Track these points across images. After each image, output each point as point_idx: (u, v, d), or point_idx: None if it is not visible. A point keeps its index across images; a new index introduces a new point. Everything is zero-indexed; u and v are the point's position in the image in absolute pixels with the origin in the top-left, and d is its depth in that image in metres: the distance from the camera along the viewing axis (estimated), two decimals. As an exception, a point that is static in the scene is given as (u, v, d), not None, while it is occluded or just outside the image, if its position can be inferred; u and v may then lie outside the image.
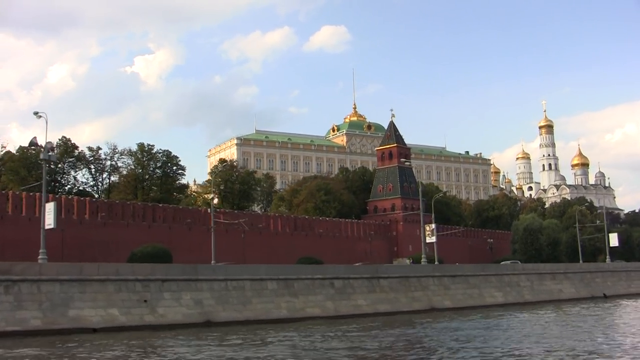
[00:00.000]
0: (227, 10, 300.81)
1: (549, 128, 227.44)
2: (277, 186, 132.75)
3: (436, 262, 76.54)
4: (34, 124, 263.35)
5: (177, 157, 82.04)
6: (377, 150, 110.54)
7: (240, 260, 70.10)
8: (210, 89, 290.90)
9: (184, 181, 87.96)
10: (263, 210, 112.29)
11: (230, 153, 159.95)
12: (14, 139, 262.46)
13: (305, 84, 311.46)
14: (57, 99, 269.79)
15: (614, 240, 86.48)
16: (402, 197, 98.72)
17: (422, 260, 62.64)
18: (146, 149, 79.57)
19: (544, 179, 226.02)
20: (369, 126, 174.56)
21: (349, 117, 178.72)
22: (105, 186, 79.62)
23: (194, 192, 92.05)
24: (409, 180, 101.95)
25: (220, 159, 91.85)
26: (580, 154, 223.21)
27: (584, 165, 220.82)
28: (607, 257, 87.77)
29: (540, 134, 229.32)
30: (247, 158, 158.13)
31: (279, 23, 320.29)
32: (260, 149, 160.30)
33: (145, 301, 40.41)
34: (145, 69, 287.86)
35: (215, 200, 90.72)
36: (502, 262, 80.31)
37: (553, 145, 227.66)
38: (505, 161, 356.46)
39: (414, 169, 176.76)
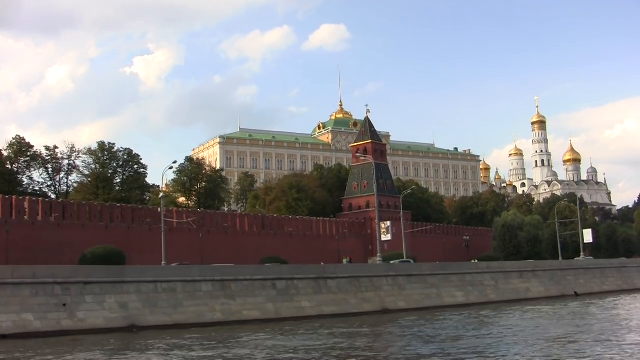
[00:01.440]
0: (226, 10, 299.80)
1: (541, 124, 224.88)
2: (260, 185, 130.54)
3: (405, 259, 74.74)
4: (33, 126, 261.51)
5: (139, 156, 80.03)
6: (351, 146, 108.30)
7: (197, 261, 68.08)
8: (209, 89, 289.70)
9: (148, 180, 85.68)
10: (242, 210, 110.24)
11: (213, 152, 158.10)
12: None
13: (305, 83, 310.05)
14: (56, 101, 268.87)
15: (588, 236, 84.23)
16: (377, 194, 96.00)
17: (378, 259, 60.17)
18: (107, 147, 77.41)
19: (537, 176, 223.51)
20: (355, 123, 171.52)
21: (335, 114, 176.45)
22: (63, 186, 77.39)
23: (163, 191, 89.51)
24: (384, 177, 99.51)
25: (187, 157, 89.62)
26: (572, 150, 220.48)
27: (576, 161, 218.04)
28: (582, 253, 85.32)
29: (533, 130, 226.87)
30: (230, 157, 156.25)
31: (278, 22, 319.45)
32: (244, 147, 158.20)
33: (64, 305, 38.25)
34: (145, 70, 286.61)
35: (182, 199, 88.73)
36: (473, 261, 78.00)
37: (546, 141, 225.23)
38: (504, 158, 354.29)
39: (401, 166, 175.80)
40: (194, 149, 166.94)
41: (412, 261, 68.06)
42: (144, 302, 40.78)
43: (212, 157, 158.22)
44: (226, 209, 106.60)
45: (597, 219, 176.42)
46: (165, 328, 39.51)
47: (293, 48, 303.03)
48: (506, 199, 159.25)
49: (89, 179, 77.13)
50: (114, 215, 71.47)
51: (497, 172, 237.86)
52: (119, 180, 78.42)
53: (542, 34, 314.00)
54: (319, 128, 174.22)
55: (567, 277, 70.20)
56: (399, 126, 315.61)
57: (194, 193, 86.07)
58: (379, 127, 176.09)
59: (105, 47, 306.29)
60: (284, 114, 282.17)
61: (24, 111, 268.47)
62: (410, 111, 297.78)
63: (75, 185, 78.48)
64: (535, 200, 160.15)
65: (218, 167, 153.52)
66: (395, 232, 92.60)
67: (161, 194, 60.04)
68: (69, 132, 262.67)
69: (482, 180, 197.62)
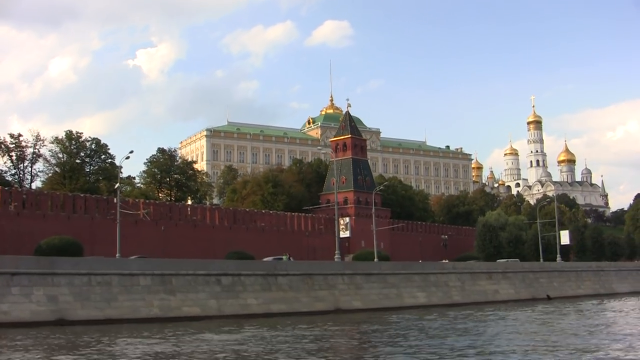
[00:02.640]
0: (229, 4, 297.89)
1: (537, 124, 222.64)
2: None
3: (375, 259, 72.80)
4: (35, 117, 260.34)
5: (107, 146, 78.17)
6: (331, 141, 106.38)
7: (159, 255, 66.26)
8: (211, 83, 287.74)
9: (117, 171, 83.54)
10: (223, 204, 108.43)
11: (200, 145, 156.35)
12: (14, 132, 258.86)
13: (307, 79, 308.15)
14: (58, 92, 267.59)
15: (565, 238, 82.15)
16: (355, 190, 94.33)
17: (336, 257, 58.26)
18: (74, 136, 75.56)
19: (532, 176, 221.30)
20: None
21: (325, 109, 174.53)
22: (27, 175, 75.59)
23: (129, 183, 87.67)
24: (363, 173, 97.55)
25: (159, 148, 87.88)
26: (567, 150, 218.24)
27: (570, 161, 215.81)
28: (558, 256, 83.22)
29: (529, 130, 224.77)
30: (217, 150, 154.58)
31: (281, 17, 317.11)
32: (231, 140, 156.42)
33: (-13, 296, 36.54)
34: (148, 63, 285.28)
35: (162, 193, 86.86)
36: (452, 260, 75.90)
37: (541, 141, 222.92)
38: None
39: (391, 163, 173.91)
40: (181, 142, 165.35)
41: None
42: (75, 296, 39.03)
43: (199, 150, 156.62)
44: (208, 203, 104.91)
45: (588, 220, 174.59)
46: (95, 323, 37.78)
47: (295, 44, 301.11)
48: (496, 199, 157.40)
49: (56, 169, 75.21)
50: (77, 205, 69.59)
51: (491, 171, 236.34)
52: (88, 170, 76.41)
53: (543, 34, 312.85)
54: (309, 123, 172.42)
55: (540, 280, 68.32)
56: (396, 124, 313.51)
57: (166, 185, 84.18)
58: (370, 124, 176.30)
59: (107, 39, 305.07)
60: (285, 110, 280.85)
61: (25, 102, 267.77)
62: (408, 109, 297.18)
63: (39, 174, 76.79)
64: (526, 200, 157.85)
65: (205, 160, 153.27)
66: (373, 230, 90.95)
67: (117, 185, 58.03)
68: (70, 124, 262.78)
69: (473, 179, 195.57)
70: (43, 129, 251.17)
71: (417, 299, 54.83)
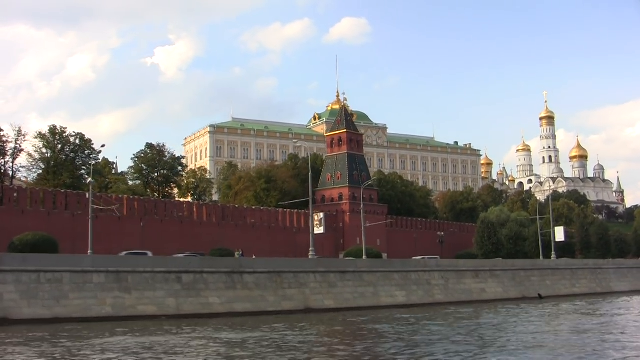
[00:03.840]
0: (247, 1, 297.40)
1: (549, 119, 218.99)
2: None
3: (364, 257, 70.77)
4: (53, 114, 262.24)
5: (91, 141, 76.80)
6: (326, 136, 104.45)
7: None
8: (229, 81, 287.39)
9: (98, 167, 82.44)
10: (220, 200, 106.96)
11: (204, 141, 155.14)
12: (34, 130, 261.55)
13: (324, 76, 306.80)
14: (76, 90, 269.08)
15: (560, 234, 79.44)
16: (350, 186, 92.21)
17: (310, 254, 56.27)
18: (58, 131, 74.33)
19: (544, 172, 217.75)
20: (351, 114, 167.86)
21: (331, 105, 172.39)
22: (8, 170, 74.29)
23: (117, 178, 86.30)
24: (359, 169, 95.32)
25: (147, 143, 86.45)
26: (579, 146, 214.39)
27: (582, 157, 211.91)
28: (553, 253, 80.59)
29: (541, 126, 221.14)
30: (220, 146, 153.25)
31: (298, 15, 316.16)
32: (235, 137, 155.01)
33: None
34: (166, 61, 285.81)
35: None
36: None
37: (553, 137, 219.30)
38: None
39: (398, 159, 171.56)
40: (185, 138, 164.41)
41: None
42: (22, 294, 37.56)
43: (203, 146, 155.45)
44: (208, 200, 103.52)
45: (599, 217, 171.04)
46: (42, 322, 36.27)
47: (313, 41, 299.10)
48: (504, 195, 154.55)
49: (41, 164, 74.08)
50: (58, 201, 68.32)
51: (504, 167, 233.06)
52: (70, 166, 74.98)
53: (562, 30, 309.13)
54: (315, 119, 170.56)
55: (531, 278, 65.86)
56: (405, 120, 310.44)
57: (154, 181, 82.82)
58: (378, 119, 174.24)
59: (126, 37, 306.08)
60: (303, 107, 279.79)
61: (44, 100, 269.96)
62: (418, 106, 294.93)
63: (21, 169, 75.66)
64: (533, 196, 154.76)
65: (208, 156, 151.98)
66: (368, 226, 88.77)
67: (90, 180, 56.56)
68: (89, 121, 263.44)
69: (483, 175, 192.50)
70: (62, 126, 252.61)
71: (396, 298, 52.79)
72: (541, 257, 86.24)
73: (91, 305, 39.05)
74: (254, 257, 59.75)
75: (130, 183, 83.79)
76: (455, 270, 59.37)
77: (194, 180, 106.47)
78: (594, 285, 72.04)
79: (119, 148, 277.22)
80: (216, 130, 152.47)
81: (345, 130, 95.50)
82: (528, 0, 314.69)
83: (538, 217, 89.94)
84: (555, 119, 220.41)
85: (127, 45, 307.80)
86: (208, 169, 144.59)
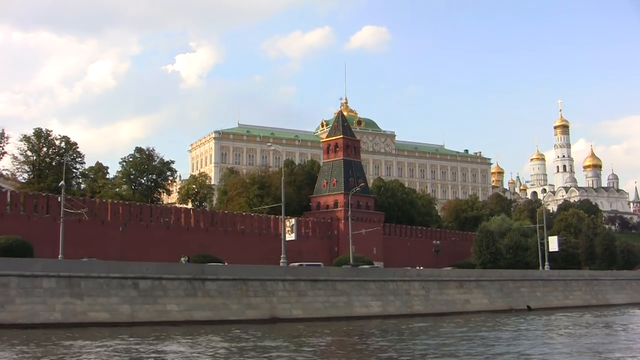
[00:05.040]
0: (267, 9, 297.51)
1: (564, 128, 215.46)
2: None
3: (351, 263, 69.11)
4: (74, 120, 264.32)
5: (76, 144, 76.07)
6: (322, 142, 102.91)
7: (117, 257, 63.78)
8: (249, 88, 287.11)
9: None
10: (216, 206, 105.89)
11: (209, 147, 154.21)
12: (55, 136, 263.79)
13: (344, 83, 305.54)
14: (97, 97, 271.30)
15: (553, 244, 76.86)
16: (345, 193, 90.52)
17: (281, 261, 54.62)
18: (43, 134, 73.67)
19: (558, 181, 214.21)
20: (359, 121, 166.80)
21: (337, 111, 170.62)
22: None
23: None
24: (355, 175, 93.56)
25: (137, 148, 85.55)
26: (593, 155, 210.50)
27: (596, 167, 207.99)
28: (546, 263, 78.17)
29: (555, 135, 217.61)
30: (226, 153, 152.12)
31: (319, 23, 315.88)
32: (240, 143, 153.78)
33: None
34: (186, 68, 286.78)
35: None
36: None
37: (568, 146, 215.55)
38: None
39: (406, 167, 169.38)
40: (191, 144, 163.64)
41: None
42: (-35, 298, 36.48)
43: (208, 152, 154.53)
44: (208, 206, 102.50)
45: (612, 227, 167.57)
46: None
47: (334, 49, 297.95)
48: (512, 204, 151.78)
49: (26, 167, 73.44)
50: (39, 205, 67.48)
51: (517, 177, 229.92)
52: (56, 169, 74.15)
53: (585, 40, 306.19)
54: (322, 125, 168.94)
55: (521, 289, 63.56)
56: (415, 128, 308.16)
57: (142, 185, 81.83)
58: (387, 127, 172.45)
59: (147, 44, 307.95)
60: (323, 115, 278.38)
61: (65, 106, 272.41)
62: (428, 114, 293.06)
63: (3, 172, 74.88)
64: (542, 205, 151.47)
65: (213, 162, 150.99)
66: (365, 234, 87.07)
67: (61, 183, 55.56)
68: (108, 128, 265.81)
69: (493, 184, 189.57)
70: (82, 132, 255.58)
71: (370, 308, 50.93)
72: (540, 267, 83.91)
73: (39, 311, 37.79)
74: (225, 263, 58.18)
75: (117, 189, 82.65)
76: (438, 280, 57.34)
77: (194, 186, 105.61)
78: (588, 297, 69.54)
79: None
80: (221, 136, 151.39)
81: (341, 136, 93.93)
82: (548, 9, 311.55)
83: (538, 226, 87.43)
84: (570, 128, 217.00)
85: (148, 52, 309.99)
86: (213, 175, 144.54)
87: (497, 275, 63.77)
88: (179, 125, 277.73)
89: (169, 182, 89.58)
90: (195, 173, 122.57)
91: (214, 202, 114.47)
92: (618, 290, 74.08)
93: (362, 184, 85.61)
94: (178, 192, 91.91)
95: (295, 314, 46.64)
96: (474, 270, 67.84)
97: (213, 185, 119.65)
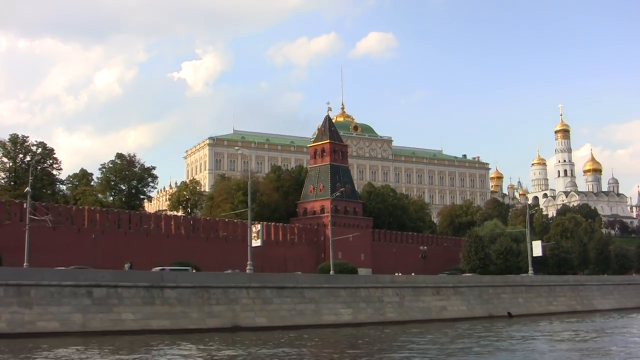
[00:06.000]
0: (273, 15, 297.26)
1: (565, 133, 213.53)
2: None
3: (331, 272, 67.70)
4: (79, 128, 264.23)
5: (53, 150, 75.32)
6: (309, 147, 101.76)
7: (90, 266, 62.63)
8: (255, 95, 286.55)
9: (61, 176, 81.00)
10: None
11: (203, 154, 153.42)
12: (60, 144, 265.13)
13: (350, 90, 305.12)
14: (103, 105, 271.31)
15: (537, 249, 75.21)
16: (331, 199, 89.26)
17: (248, 268, 53.40)
18: (20, 140, 72.88)
19: (559, 186, 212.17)
20: (356, 127, 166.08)
21: (335, 117, 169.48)
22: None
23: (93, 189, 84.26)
24: (343, 181, 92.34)
25: (117, 153, 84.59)
26: (593, 160, 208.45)
27: (596, 171, 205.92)
28: (530, 268, 76.52)
29: (556, 139, 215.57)
30: (220, 159, 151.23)
31: (325, 29, 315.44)
32: (235, 149, 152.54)
33: None
34: (193, 75, 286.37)
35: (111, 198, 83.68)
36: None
37: (569, 150, 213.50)
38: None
39: (403, 173, 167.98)
40: (186, 150, 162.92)
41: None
42: None
43: (202, 159, 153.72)
44: (199, 213, 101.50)
45: (612, 232, 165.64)
46: None
47: (340, 55, 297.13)
48: (510, 209, 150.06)
49: (1, 173, 72.67)
50: (12, 211, 66.56)
51: (519, 182, 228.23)
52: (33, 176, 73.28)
53: (590, 44, 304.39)
54: (318, 131, 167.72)
55: (501, 296, 62.12)
56: (413, 134, 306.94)
57: (121, 192, 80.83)
58: (384, 132, 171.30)
59: (153, 51, 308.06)
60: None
61: (71, 114, 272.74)
62: (427, 119, 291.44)
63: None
64: (538, 211, 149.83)
65: (207, 169, 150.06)
66: (352, 240, 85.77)
67: (27, 189, 54.62)
68: (114, 135, 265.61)
69: (492, 189, 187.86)
70: (87, 140, 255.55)
71: (340, 316, 49.67)
72: (530, 272, 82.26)
73: (-16, 321, 36.78)
74: (193, 270, 56.92)
75: (100, 195, 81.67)
76: (413, 287, 56.00)
77: (185, 193, 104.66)
78: (573, 303, 68.01)
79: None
80: (216, 142, 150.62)
81: (328, 140, 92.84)
82: (553, 15, 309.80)
83: (528, 230, 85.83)
84: (570, 133, 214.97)
85: (154, 60, 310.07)
86: (207, 181, 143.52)
87: (476, 280, 62.42)
88: (187, 133, 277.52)
89: (150, 188, 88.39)
90: (189, 180, 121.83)
91: (204, 209, 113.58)
92: (605, 295, 72.52)
93: (342, 188, 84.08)
94: (169, 199, 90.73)
95: (259, 322, 45.44)
96: (452, 276, 66.26)
97: (205, 192, 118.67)
